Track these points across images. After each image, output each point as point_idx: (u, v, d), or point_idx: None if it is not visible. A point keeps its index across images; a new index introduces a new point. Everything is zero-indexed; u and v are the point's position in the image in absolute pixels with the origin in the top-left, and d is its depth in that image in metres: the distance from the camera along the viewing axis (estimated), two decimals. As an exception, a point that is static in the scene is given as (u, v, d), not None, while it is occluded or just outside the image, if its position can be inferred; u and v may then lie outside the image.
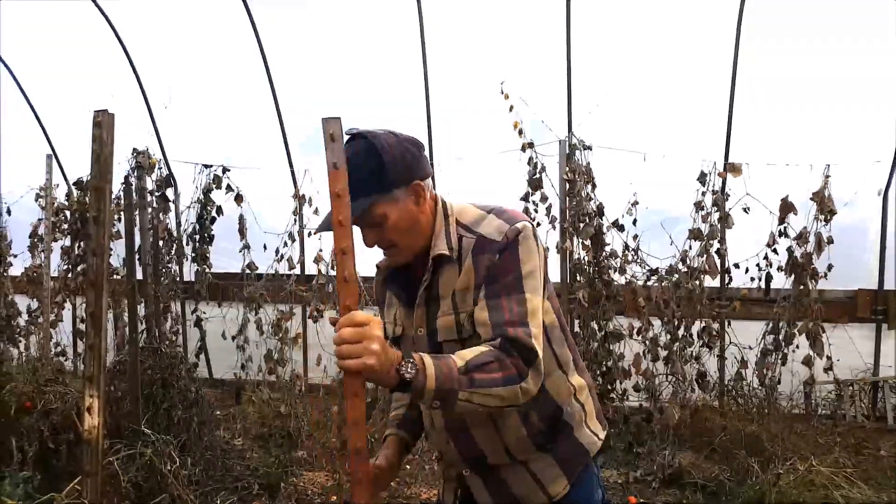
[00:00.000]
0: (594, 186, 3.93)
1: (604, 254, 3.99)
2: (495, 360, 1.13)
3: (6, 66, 5.06)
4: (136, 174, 4.42)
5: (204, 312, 4.65)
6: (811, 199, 3.94)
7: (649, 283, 4.08)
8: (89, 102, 4.87)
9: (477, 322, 1.23)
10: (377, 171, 1.19)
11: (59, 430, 3.52)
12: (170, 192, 4.56)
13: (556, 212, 4.01)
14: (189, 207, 4.53)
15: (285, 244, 4.32)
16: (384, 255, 1.32)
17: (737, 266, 4.14)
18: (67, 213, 4.88)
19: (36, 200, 4.81)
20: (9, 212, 4.97)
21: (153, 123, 4.89)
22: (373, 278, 1.47)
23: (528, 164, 4.08)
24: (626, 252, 4.02)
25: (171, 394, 3.49)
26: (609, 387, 4.04)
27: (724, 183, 4.08)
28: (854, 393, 4.37)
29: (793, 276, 4.08)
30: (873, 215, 4.43)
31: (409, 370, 1.06)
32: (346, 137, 1.15)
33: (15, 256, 4.99)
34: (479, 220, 1.28)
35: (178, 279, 4.53)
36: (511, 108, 3.92)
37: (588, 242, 3.95)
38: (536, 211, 4.04)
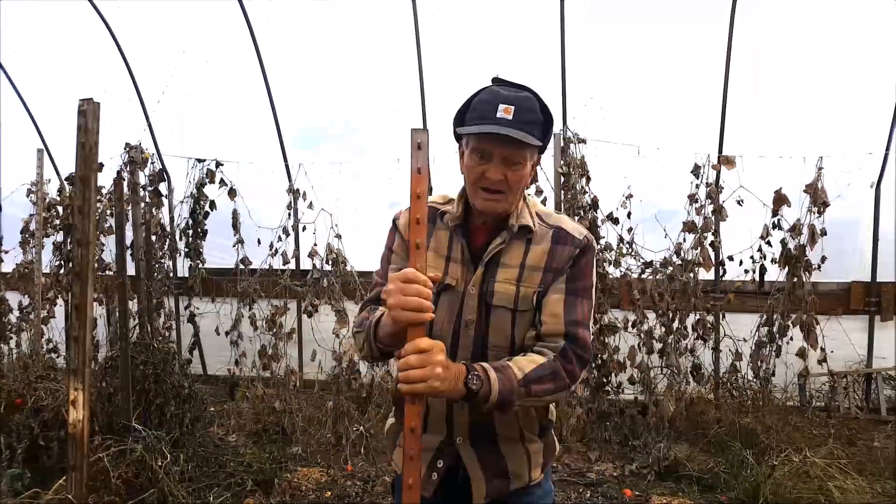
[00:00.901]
0: (588, 180, 3.93)
1: (599, 247, 3.99)
2: (551, 373, 1.26)
3: (-4, 61, 5.02)
4: (128, 169, 4.40)
5: (197, 308, 4.62)
6: (804, 191, 3.95)
7: (644, 276, 4.08)
8: (81, 97, 4.89)
9: (548, 311, 1.32)
10: (542, 124, 1.29)
11: (50, 427, 3.49)
12: (163, 187, 4.52)
13: (550, 205, 4.00)
14: (182, 202, 4.50)
15: (279, 239, 4.30)
16: (488, 199, 1.31)
17: (731, 258, 4.14)
18: (59, 208, 4.84)
19: (27, 196, 4.77)
20: (-1, 207, 4.93)
21: (146, 118, 4.86)
22: (370, 274, 1.49)
23: (523, 157, 4.05)
24: (621, 245, 4.02)
25: (164, 389, 3.47)
26: (604, 380, 4.04)
27: (717, 175, 4.08)
28: (848, 384, 4.40)
29: (787, 269, 4.09)
30: (866, 207, 4.44)
31: (475, 382, 1.18)
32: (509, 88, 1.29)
33: (6, 252, 4.95)
34: (551, 216, 1.40)
35: (170, 274, 4.49)
36: (505, 101, 3.88)
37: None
38: (531, 204, 4.02)
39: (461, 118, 1.31)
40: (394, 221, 1.48)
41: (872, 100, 4.08)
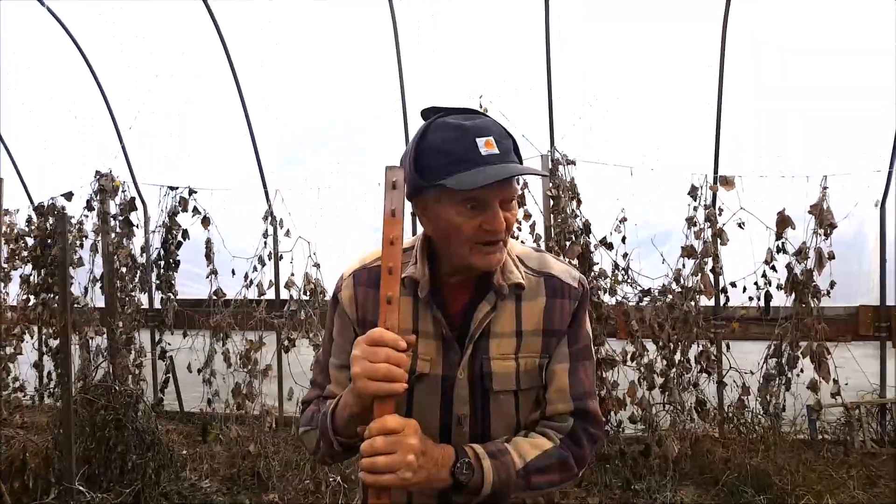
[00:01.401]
0: (579, 203, 3.72)
1: (592, 274, 3.76)
2: (558, 462, 1.09)
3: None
4: (98, 198, 4.21)
5: (169, 343, 4.36)
6: (809, 212, 3.73)
7: (641, 305, 3.84)
8: (53, 122, 4.74)
9: (554, 386, 1.14)
10: (516, 147, 1.09)
11: (4, 478, 3.22)
12: (136, 216, 4.32)
13: (540, 230, 3.78)
14: (154, 231, 4.29)
15: (255, 269, 4.07)
16: (490, 252, 1.08)
17: (733, 285, 3.90)
18: (29, 239, 4.63)
19: (-6, 227, 4.56)
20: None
21: (121, 145, 4.69)
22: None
23: (510, 180, 3.85)
24: (616, 271, 3.79)
25: (126, 436, 3.20)
26: (604, 418, 3.75)
27: (714, 197, 3.87)
28: (861, 416, 4.12)
29: (793, 295, 3.85)
30: (871, 226, 4.22)
31: (464, 473, 1.01)
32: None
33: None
34: (531, 257, 1.19)
35: (140, 307, 4.25)
36: (490, 123, 3.71)
37: (575, 262, 3.72)
38: (520, 229, 3.81)
39: (423, 169, 1.05)
40: (334, 296, 1.21)
41: (876, 117, 3.90)
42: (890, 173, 4.09)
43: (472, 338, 1.11)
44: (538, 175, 1.07)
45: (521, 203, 3.81)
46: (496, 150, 1.02)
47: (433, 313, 1.12)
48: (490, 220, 1.04)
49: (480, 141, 1.02)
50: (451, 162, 1.02)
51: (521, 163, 1.08)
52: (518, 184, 1.15)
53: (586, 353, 1.17)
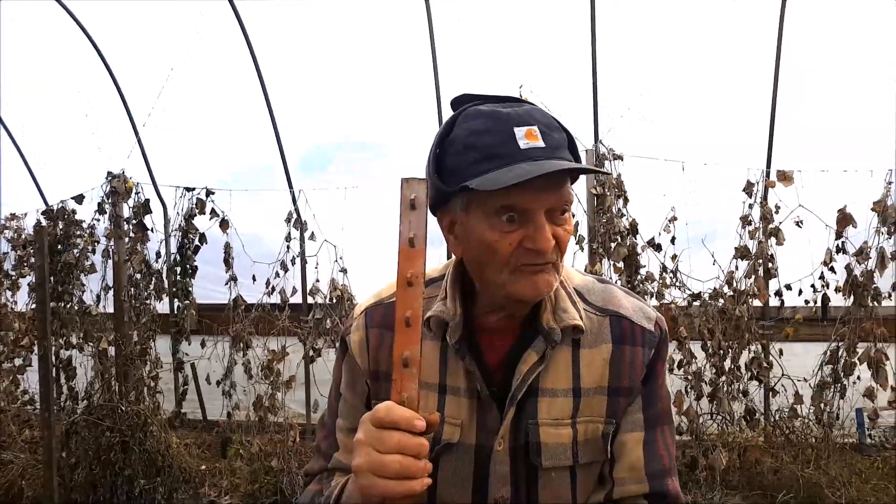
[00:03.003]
0: (626, 201, 3.48)
1: (639, 277, 3.52)
2: None
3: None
4: (110, 200, 3.97)
5: (187, 354, 4.14)
6: (872, 209, 3.49)
7: (690, 310, 3.60)
8: (68, 120, 4.50)
9: (625, 462, 0.88)
10: (571, 143, 0.84)
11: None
12: (151, 219, 4.08)
13: (583, 230, 3.54)
14: (171, 235, 4.05)
15: (277, 275, 3.83)
16: (538, 277, 0.82)
17: (788, 287, 3.67)
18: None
19: (0, 232, 4.34)
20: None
21: (139, 144, 4.45)
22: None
23: (550, 177, 3.61)
24: (665, 274, 3.55)
25: (133, 460, 2.97)
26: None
27: (765, 193, 3.61)
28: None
29: (852, 297, 3.62)
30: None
31: None
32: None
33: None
34: (601, 293, 0.93)
35: (156, 316, 4.02)
36: (530, 116, 3.47)
37: (621, 264, 3.48)
38: (560, 230, 3.57)
39: (447, 170, 0.82)
40: (342, 340, 0.96)
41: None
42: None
43: (514, 397, 0.85)
44: (596, 173, 0.79)
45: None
46: (541, 143, 0.78)
47: (466, 364, 0.87)
48: (533, 236, 0.78)
49: (520, 131, 0.78)
50: (481, 158, 0.78)
51: (579, 161, 0.83)
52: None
53: (665, 417, 0.92)
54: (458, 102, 0.87)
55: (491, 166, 0.76)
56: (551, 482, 0.86)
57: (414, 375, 0.71)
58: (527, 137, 0.77)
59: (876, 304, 3.60)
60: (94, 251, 4.14)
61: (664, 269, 3.57)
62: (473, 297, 0.89)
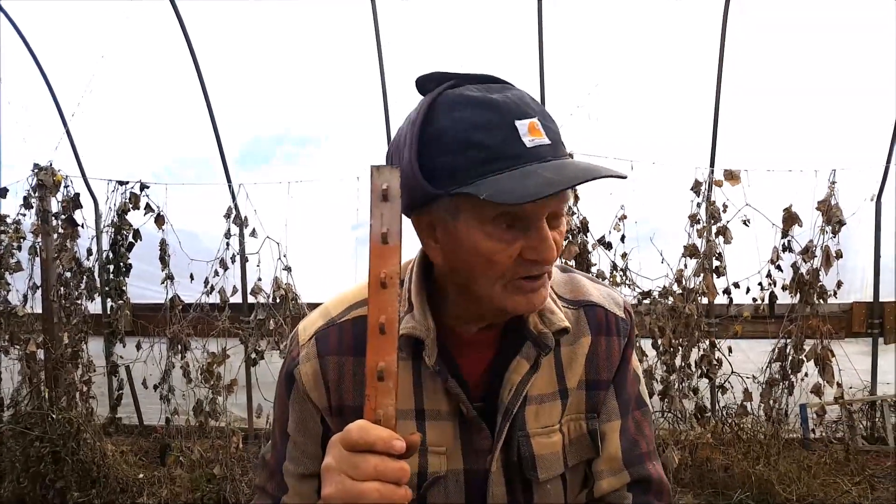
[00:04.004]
0: (577, 199, 3.43)
1: (569, 265, 3.47)
2: None
3: None
4: (37, 194, 3.72)
5: (121, 357, 3.92)
6: (817, 208, 3.52)
7: (640, 308, 3.59)
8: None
9: (605, 455, 0.84)
10: (561, 137, 0.74)
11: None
12: (81, 215, 3.84)
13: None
14: (102, 231, 3.83)
15: (216, 273, 3.66)
16: (535, 290, 0.73)
17: (736, 286, 3.69)
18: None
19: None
20: None
21: (68, 135, 4.20)
22: None
23: (500, 174, 3.54)
24: (615, 272, 3.52)
25: (65, 471, 2.79)
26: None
27: (709, 191, 3.60)
28: (853, 414, 4.04)
29: (799, 295, 3.66)
30: (865, 222, 4.08)
31: None
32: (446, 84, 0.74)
33: None
34: (567, 283, 0.87)
35: (88, 317, 3.80)
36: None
37: (572, 262, 3.43)
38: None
39: (434, 170, 0.70)
40: (288, 373, 0.81)
41: (873, 110, 3.74)
42: (886, 169, 3.99)
43: (509, 411, 0.77)
44: (618, 177, 0.69)
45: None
46: (545, 140, 0.68)
47: (447, 385, 0.77)
48: (537, 245, 0.70)
49: (522, 126, 0.68)
50: (484, 160, 0.67)
51: (571, 156, 0.75)
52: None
53: (639, 400, 0.89)
54: (427, 82, 0.75)
55: (495, 168, 0.67)
56: (546, 494, 0.81)
57: (390, 390, 0.62)
58: (530, 133, 0.68)
59: (822, 301, 3.66)
60: (20, 248, 3.88)
61: (615, 267, 3.54)
62: (441, 304, 0.79)
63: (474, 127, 0.68)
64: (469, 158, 0.68)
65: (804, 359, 3.69)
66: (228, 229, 3.68)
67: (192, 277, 3.66)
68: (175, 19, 3.73)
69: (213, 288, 3.63)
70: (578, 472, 0.85)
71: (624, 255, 3.55)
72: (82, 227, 3.78)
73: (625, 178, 0.70)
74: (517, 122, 0.68)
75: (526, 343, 0.78)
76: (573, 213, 3.40)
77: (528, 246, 0.70)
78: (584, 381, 0.83)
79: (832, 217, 3.46)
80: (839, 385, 3.77)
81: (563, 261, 3.45)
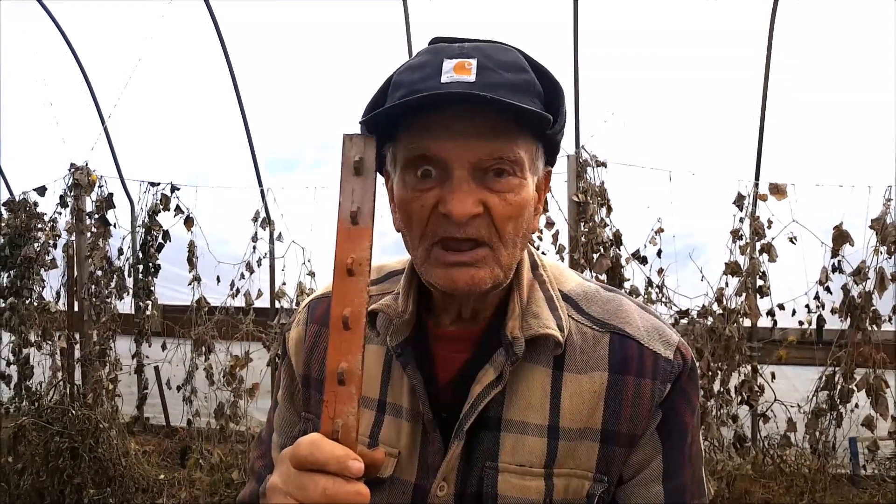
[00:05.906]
0: (610, 210, 3.29)
1: (623, 291, 3.33)
2: None
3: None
4: (72, 193, 3.81)
5: (147, 357, 3.95)
6: (870, 227, 3.29)
7: (678, 328, 3.41)
8: (35, 112, 4.36)
9: None
10: (541, 94, 0.66)
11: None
12: (113, 215, 3.91)
13: (564, 240, 3.35)
14: (133, 232, 3.89)
15: (242, 276, 3.65)
16: (454, 262, 0.63)
17: (781, 307, 3.47)
18: None
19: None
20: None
21: (107, 135, 4.30)
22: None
23: (531, 183, 3.44)
24: (650, 289, 3.35)
25: (82, 468, 2.78)
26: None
27: (753, 205, 3.40)
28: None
29: (849, 319, 3.41)
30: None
31: None
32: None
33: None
34: (604, 303, 0.71)
35: (117, 315, 3.85)
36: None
37: (604, 277, 3.29)
38: (541, 239, 3.38)
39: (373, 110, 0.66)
40: (283, 339, 0.80)
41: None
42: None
43: (461, 427, 0.65)
44: (525, 120, 0.59)
45: (544, 209, 3.38)
46: (470, 77, 0.60)
47: (409, 376, 0.67)
48: (446, 197, 0.60)
49: (449, 63, 0.61)
50: (399, 98, 0.62)
51: (552, 120, 0.62)
52: (535, 151, 0.65)
53: (696, 491, 0.69)
54: (439, 42, 0.71)
55: (402, 97, 0.62)
56: None
57: (352, 396, 0.53)
58: (455, 71, 0.61)
59: (875, 327, 3.40)
60: (55, 246, 3.97)
61: (650, 283, 3.37)
62: (425, 303, 0.71)
63: (409, 68, 0.64)
64: (391, 99, 0.63)
65: (854, 388, 3.43)
66: (256, 233, 3.68)
67: (218, 280, 3.67)
68: (213, 28, 3.79)
69: (238, 291, 3.62)
70: None
71: (660, 271, 3.38)
72: (115, 226, 3.84)
73: (546, 116, 0.58)
74: (445, 61, 0.61)
75: (500, 349, 0.66)
76: (606, 225, 3.26)
77: (442, 200, 0.61)
78: (600, 431, 0.66)
79: (887, 236, 3.22)
80: (894, 419, 3.48)
81: (595, 275, 3.31)
